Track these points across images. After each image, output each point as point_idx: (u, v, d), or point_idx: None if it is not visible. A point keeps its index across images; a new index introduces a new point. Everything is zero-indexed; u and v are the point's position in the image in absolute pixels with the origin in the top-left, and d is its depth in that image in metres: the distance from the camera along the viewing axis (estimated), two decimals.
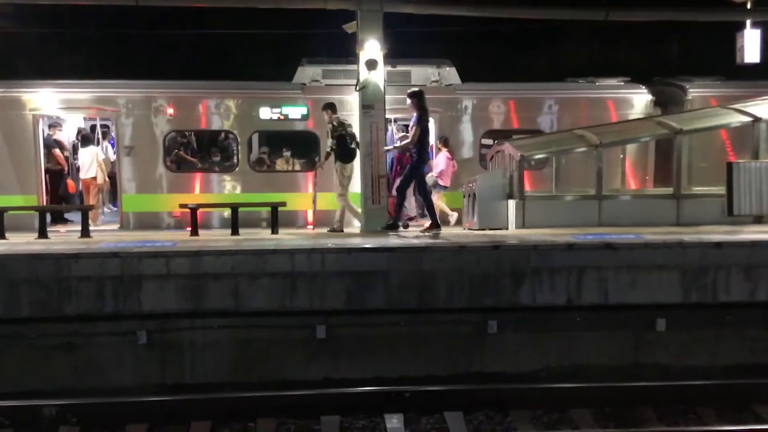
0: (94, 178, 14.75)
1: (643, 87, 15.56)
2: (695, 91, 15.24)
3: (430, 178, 13.77)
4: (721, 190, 11.90)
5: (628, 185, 14.41)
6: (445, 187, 14.51)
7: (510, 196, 12.06)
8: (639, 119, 14.71)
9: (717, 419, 7.19)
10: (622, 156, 13.91)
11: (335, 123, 12.26)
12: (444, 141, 14.71)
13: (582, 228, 11.10)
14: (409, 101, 11.24)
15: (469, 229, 12.49)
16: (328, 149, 12.35)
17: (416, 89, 11.51)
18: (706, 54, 19.32)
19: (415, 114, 11.20)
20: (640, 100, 15.39)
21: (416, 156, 11.15)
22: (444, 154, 14.53)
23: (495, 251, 8.68)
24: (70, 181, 15.34)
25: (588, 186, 12.21)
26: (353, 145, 12.17)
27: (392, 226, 11.49)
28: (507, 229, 11.83)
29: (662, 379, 8.01)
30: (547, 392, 7.52)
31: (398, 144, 12.53)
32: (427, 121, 11.53)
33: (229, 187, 14.61)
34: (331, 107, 12.48)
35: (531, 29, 20.00)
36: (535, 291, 8.57)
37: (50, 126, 14.99)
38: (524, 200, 11.81)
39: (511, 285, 8.58)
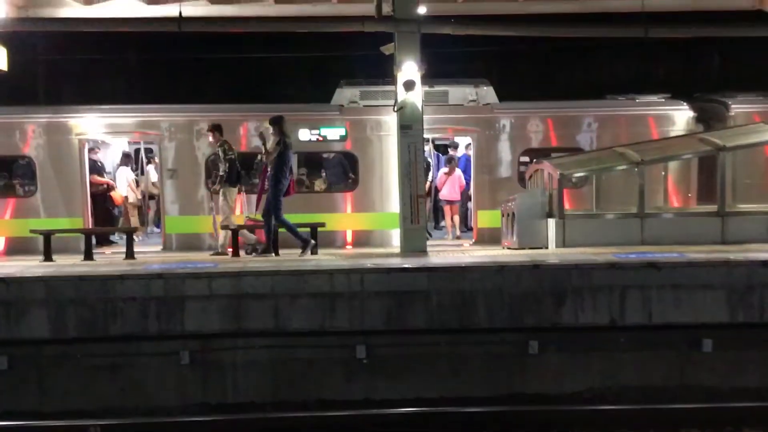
0: (126, 197, 15.30)
1: (685, 103, 15.34)
2: (738, 107, 14.97)
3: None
4: (766, 207, 11.64)
5: (670, 203, 14.17)
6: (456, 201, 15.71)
7: (549, 215, 11.96)
8: (681, 136, 14.48)
9: None
10: (663, 173, 13.70)
11: (225, 146, 12.26)
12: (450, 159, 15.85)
13: (623, 247, 10.94)
14: (271, 128, 11.48)
15: (508, 248, 12.41)
16: (221, 173, 12.29)
17: (276, 116, 11.71)
18: (748, 69, 19.03)
19: (276, 138, 11.46)
20: (681, 117, 15.17)
21: (273, 179, 11.35)
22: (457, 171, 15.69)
23: (536, 270, 8.62)
24: (113, 194, 15.60)
25: (629, 204, 12.05)
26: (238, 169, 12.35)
27: (265, 251, 11.51)
28: (547, 248, 11.73)
29: (708, 401, 7.84)
30: (590, 414, 7.42)
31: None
32: (288, 146, 11.67)
33: None
34: (217, 129, 12.42)
35: (569, 46, 19.92)
36: (577, 311, 8.48)
37: (90, 150, 15.30)
38: (564, 219, 11.71)
39: (552, 305, 8.50)
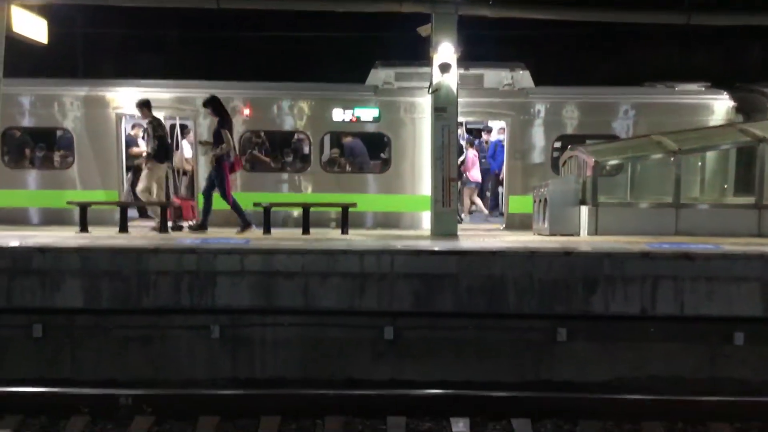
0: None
1: (725, 93, 15.05)
2: None
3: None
4: None
5: (706, 194, 13.96)
6: (476, 183, 16.06)
7: (583, 202, 11.86)
8: (720, 126, 14.24)
9: None
10: (700, 164, 13.49)
11: (154, 123, 12.28)
12: (470, 141, 16.07)
13: (657, 237, 10.82)
14: (205, 110, 11.88)
15: (539, 234, 12.34)
16: (150, 150, 12.35)
17: (209, 97, 11.98)
18: None
19: (217, 119, 11.77)
20: (720, 107, 14.89)
21: (215, 157, 11.66)
22: (472, 152, 15.83)
23: (567, 257, 8.56)
24: None
25: (664, 194, 11.90)
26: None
27: (200, 226, 11.81)
28: (578, 235, 11.65)
29: (739, 394, 7.75)
30: (618, 403, 7.36)
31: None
32: (230, 123, 11.94)
33: (300, 187, 14.81)
34: (146, 105, 12.39)
35: (608, 32, 19.62)
36: (608, 299, 8.42)
37: (132, 126, 15.50)
38: (597, 206, 11.60)
39: (582, 293, 8.45)
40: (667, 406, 7.29)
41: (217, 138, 11.78)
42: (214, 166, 11.82)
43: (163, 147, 12.36)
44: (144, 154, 12.98)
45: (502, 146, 15.64)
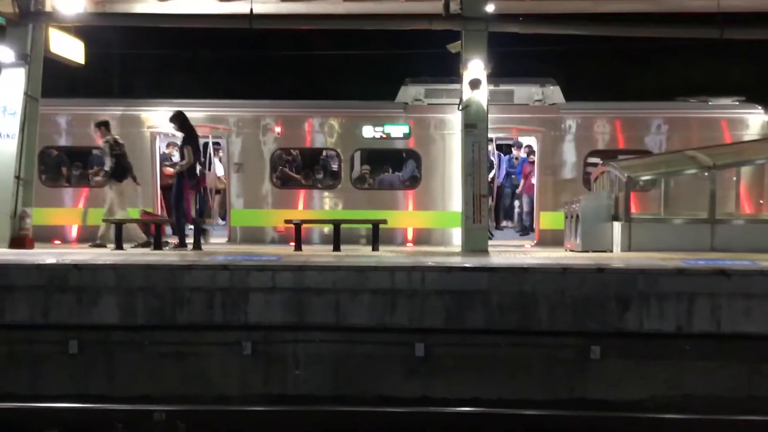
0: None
1: (760, 107, 14.85)
2: None
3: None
4: None
5: (742, 209, 13.74)
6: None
7: (615, 218, 11.75)
8: (755, 140, 14.04)
9: None
10: (735, 179, 13.29)
11: (111, 142, 12.38)
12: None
13: (692, 253, 10.67)
14: (173, 125, 11.81)
15: (571, 250, 12.24)
16: (107, 168, 12.46)
17: (175, 112, 11.95)
18: None
19: (182, 135, 11.76)
20: (756, 121, 14.69)
21: (178, 172, 11.69)
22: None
23: (599, 274, 8.47)
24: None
25: (698, 209, 11.74)
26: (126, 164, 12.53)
27: (180, 245, 11.75)
28: (611, 251, 11.53)
29: None
30: (653, 422, 7.26)
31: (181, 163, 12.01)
32: (196, 139, 11.88)
33: (331, 204, 14.89)
34: (105, 125, 12.54)
35: (639, 48, 19.50)
36: (642, 317, 8.30)
37: (167, 145, 15.72)
38: (630, 222, 11.48)
39: (616, 310, 8.35)
40: (704, 425, 7.17)
41: (182, 154, 11.82)
42: (174, 181, 11.87)
43: (120, 166, 12.55)
44: (101, 173, 13.21)
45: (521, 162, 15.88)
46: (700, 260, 9.39)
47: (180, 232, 11.87)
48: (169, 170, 15.58)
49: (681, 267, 8.61)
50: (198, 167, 11.92)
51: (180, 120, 11.86)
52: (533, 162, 15.32)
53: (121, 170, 12.65)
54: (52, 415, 7.35)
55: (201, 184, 12.22)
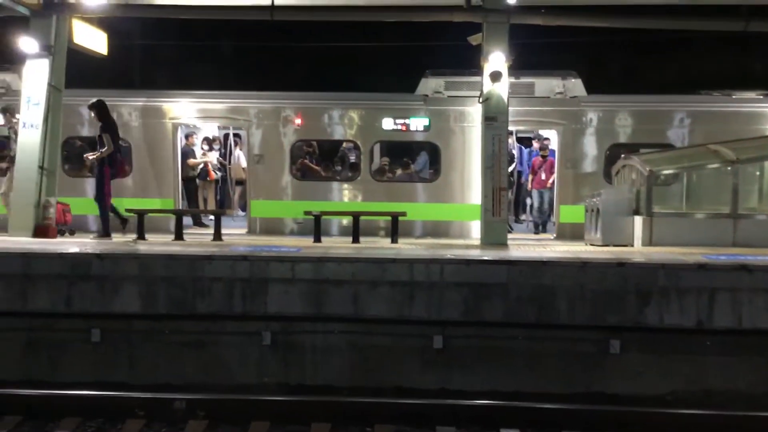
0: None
1: None
2: None
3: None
4: None
5: (765, 204, 13.58)
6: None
7: (636, 212, 11.67)
8: None
9: None
10: (759, 173, 13.14)
11: (17, 128, 12.31)
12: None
13: (714, 248, 10.58)
14: (92, 114, 11.77)
15: (591, 244, 12.18)
16: (14, 154, 12.41)
17: (94, 101, 11.87)
18: None
19: (101, 123, 11.68)
20: None
21: (98, 161, 11.63)
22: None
23: (620, 268, 8.43)
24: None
25: (720, 204, 11.63)
26: None
27: (104, 234, 11.66)
28: (632, 245, 11.46)
29: None
30: (673, 417, 7.21)
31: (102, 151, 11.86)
32: (115, 128, 11.84)
33: (350, 196, 14.92)
34: (8, 110, 12.58)
35: (662, 39, 19.29)
36: (663, 312, 8.26)
37: (186, 136, 15.82)
38: (652, 217, 11.40)
39: (636, 304, 8.31)
40: (724, 421, 7.11)
41: (101, 142, 11.77)
42: (96, 169, 11.86)
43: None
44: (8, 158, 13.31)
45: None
46: (721, 255, 9.32)
47: (104, 221, 11.83)
48: (192, 162, 15.71)
49: (702, 262, 8.55)
50: (118, 155, 11.92)
51: (98, 108, 11.81)
52: (545, 156, 15.19)
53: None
54: (73, 403, 7.42)
55: (121, 171, 12.15)
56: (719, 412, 7.32)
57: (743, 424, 7.07)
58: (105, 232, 11.79)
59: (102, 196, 11.78)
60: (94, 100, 12.01)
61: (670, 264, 8.44)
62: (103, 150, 11.66)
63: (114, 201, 12.13)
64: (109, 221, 11.86)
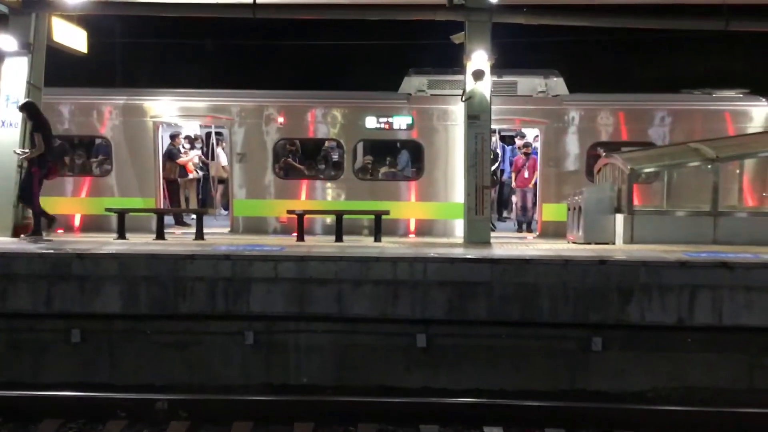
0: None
1: (764, 99, 14.81)
2: None
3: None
4: None
5: (745, 202, 13.73)
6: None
7: (618, 210, 11.74)
8: (759, 133, 14.01)
9: None
10: (738, 171, 13.26)
11: None
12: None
13: (694, 245, 10.67)
14: (23, 114, 11.52)
15: (573, 242, 12.24)
16: None
17: (24, 102, 11.61)
18: None
19: (30, 123, 11.42)
20: (759, 114, 14.65)
21: (29, 162, 11.33)
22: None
23: (601, 266, 8.48)
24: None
25: (701, 202, 11.73)
26: None
27: (34, 233, 11.31)
28: (614, 243, 11.53)
29: None
30: (654, 414, 7.25)
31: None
32: (48, 127, 11.56)
33: (333, 195, 14.89)
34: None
35: (643, 38, 19.42)
36: (644, 309, 8.31)
37: (172, 136, 15.68)
38: (633, 215, 11.47)
39: (617, 302, 8.36)
40: (705, 417, 7.17)
41: (33, 141, 11.50)
42: (25, 169, 11.59)
43: None
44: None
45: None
46: (702, 253, 9.40)
47: (36, 218, 11.52)
48: (182, 160, 15.59)
49: (683, 259, 8.61)
50: (48, 156, 11.54)
51: (29, 109, 11.57)
52: (527, 154, 15.26)
53: None
54: (55, 404, 7.35)
55: (52, 173, 11.80)
56: (701, 409, 7.38)
57: (724, 421, 7.13)
58: (36, 231, 11.43)
59: (30, 196, 11.46)
60: (23, 101, 11.68)
61: (651, 262, 8.50)
62: (33, 150, 11.37)
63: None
64: (40, 221, 11.53)
